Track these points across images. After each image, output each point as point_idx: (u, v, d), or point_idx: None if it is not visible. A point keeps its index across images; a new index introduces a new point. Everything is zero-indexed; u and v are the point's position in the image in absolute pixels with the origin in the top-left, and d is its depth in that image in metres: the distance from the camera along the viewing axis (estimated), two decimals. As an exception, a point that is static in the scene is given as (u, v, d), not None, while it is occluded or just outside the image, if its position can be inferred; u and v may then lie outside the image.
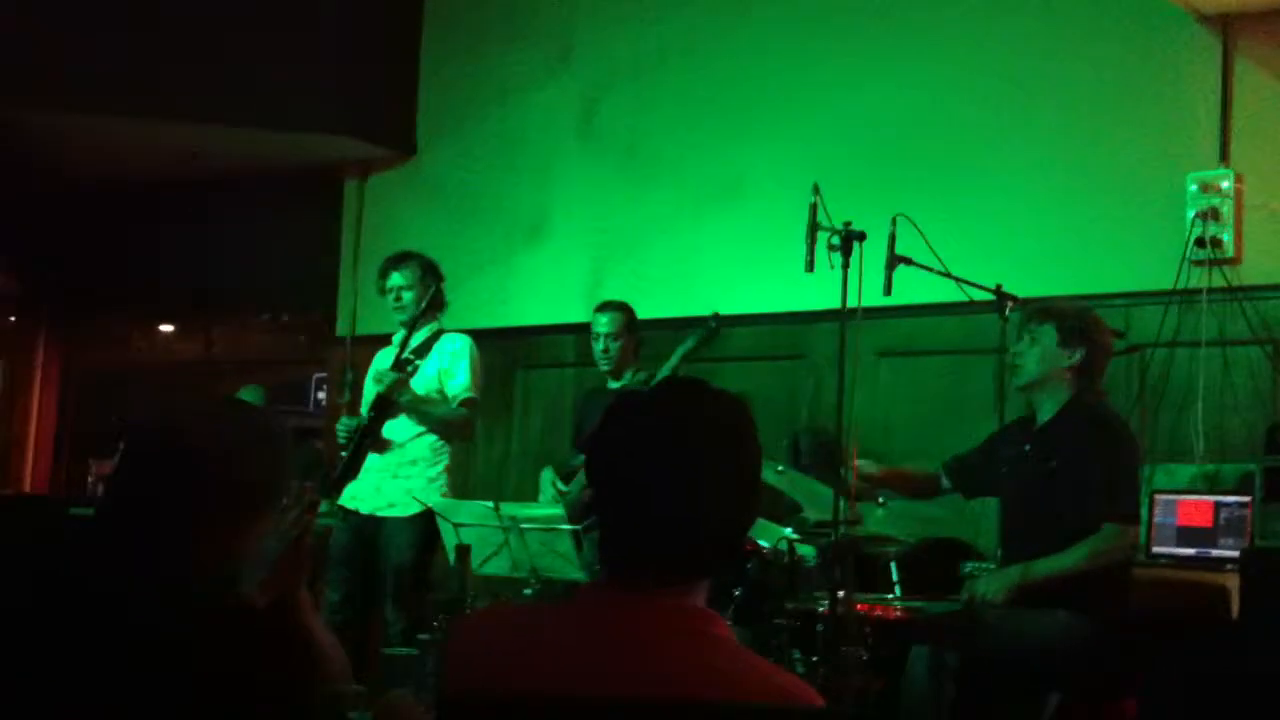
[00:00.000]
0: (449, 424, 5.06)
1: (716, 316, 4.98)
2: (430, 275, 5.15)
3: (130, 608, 1.80)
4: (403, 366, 5.01)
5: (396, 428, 5.03)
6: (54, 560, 1.90)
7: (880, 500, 4.35)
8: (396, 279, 5.12)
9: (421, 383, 5.02)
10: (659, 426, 1.69)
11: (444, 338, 5.14)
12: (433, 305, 5.15)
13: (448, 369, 5.07)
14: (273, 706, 1.79)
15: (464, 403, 5.06)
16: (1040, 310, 3.97)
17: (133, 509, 1.93)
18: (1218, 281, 4.78)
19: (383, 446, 5.02)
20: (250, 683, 1.78)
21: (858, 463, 3.97)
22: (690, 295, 6.03)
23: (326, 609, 5.00)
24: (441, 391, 5.06)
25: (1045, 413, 3.87)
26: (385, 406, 5.03)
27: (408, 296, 5.11)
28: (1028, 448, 3.87)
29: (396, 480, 5.00)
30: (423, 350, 5.08)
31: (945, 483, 4.14)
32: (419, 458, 5.03)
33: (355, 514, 5.05)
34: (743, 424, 1.72)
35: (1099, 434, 3.74)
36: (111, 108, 6.65)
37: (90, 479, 6.97)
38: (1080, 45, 5.23)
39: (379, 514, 5.01)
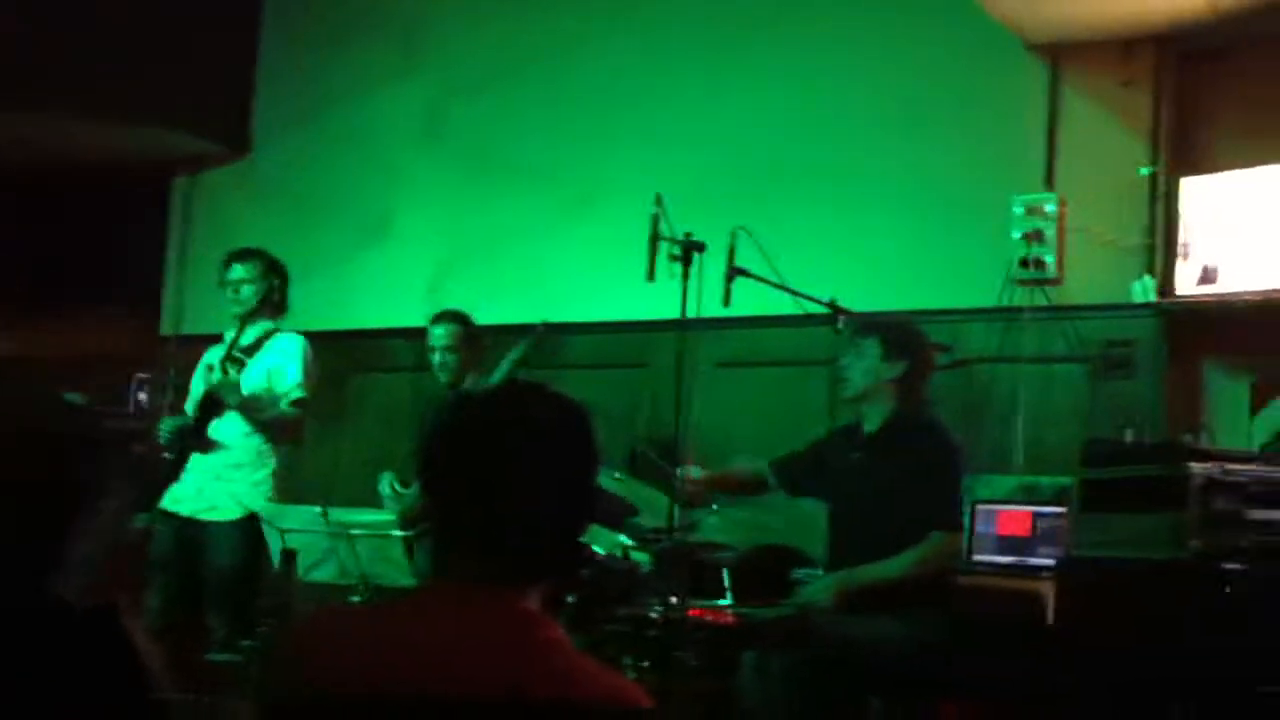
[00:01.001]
0: (279, 424, 4.93)
1: (545, 325, 4.96)
2: (273, 273, 5.03)
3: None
4: (231, 362, 4.86)
5: (222, 428, 4.88)
6: None
7: (714, 507, 4.40)
8: (238, 271, 4.98)
9: (250, 381, 4.88)
10: (494, 426, 1.68)
11: (276, 337, 5.00)
12: (270, 304, 5.01)
13: (278, 367, 4.94)
14: (97, 712, 1.73)
15: (295, 402, 4.94)
16: (865, 325, 4.11)
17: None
18: (1040, 301, 4.96)
19: (207, 446, 4.86)
20: (73, 689, 1.71)
21: (686, 469, 4.01)
22: (534, 302, 6.00)
23: (147, 614, 4.82)
24: (270, 390, 4.93)
25: (871, 423, 3.98)
26: (211, 406, 4.87)
27: (246, 291, 4.97)
28: (855, 455, 3.97)
29: (219, 482, 4.85)
30: (253, 349, 4.95)
31: (772, 480, 4.21)
32: (243, 461, 4.89)
33: (176, 516, 4.88)
34: (578, 427, 1.72)
35: (926, 445, 3.85)
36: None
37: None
38: (916, 68, 5.39)
39: (200, 517, 4.86)
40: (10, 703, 1.65)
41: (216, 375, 4.82)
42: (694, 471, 4.09)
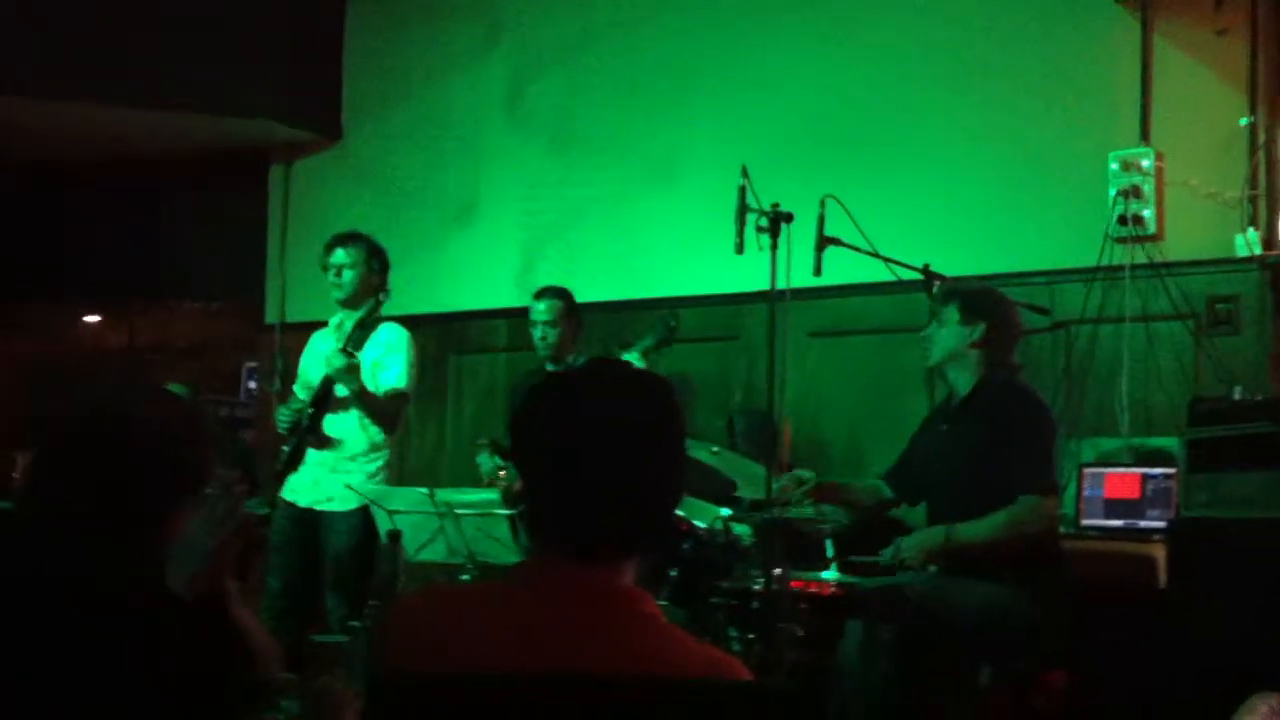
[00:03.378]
0: (381, 414, 5.00)
1: (675, 315, 4.95)
2: (375, 259, 5.06)
3: (55, 601, 1.77)
4: (343, 355, 4.91)
5: (337, 423, 4.97)
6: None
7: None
8: (340, 256, 5.00)
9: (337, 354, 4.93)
10: (582, 405, 1.70)
11: (382, 328, 5.04)
12: (372, 289, 5.07)
13: (381, 361, 4.99)
14: (203, 696, 1.78)
15: (394, 395, 5.00)
16: (944, 292, 4.11)
17: (55, 500, 1.89)
18: (1140, 258, 4.85)
19: (323, 442, 4.96)
20: (180, 673, 1.76)
21: (787, 474, 3.99)
22: (622, 278, 6.03)
23: (266, 597, 4.96)
24: (374, 382, 4.99)
25: (960, 391, 3.96)
26: (326, 397, 4.94)
27: (348, 275, 5.01)
28: (945, 427, 3.95)
29: (335, 474, 4.94)
30: (360, 340, 5.00)
31: (888, 493, 4.19)
32: (358, 453, 4.97)
33: (294, 505, 5.00)
34: (665, 403, 1.73)
35: (1013, 408, 3.82)
36: (30, 91, 6.53)
37: (16, 473, 6.86)
38: (1004, 26, 5.29)
39: (317, 508, 4.96)
40: (121, 689, 1.71)
41: (337, 361, 4.81)
42: (804, 474, 4.06)
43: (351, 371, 4.80)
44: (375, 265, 5.04)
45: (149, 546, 1.90)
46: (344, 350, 4.82)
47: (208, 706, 1.76)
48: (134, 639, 1.74)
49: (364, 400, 4.89)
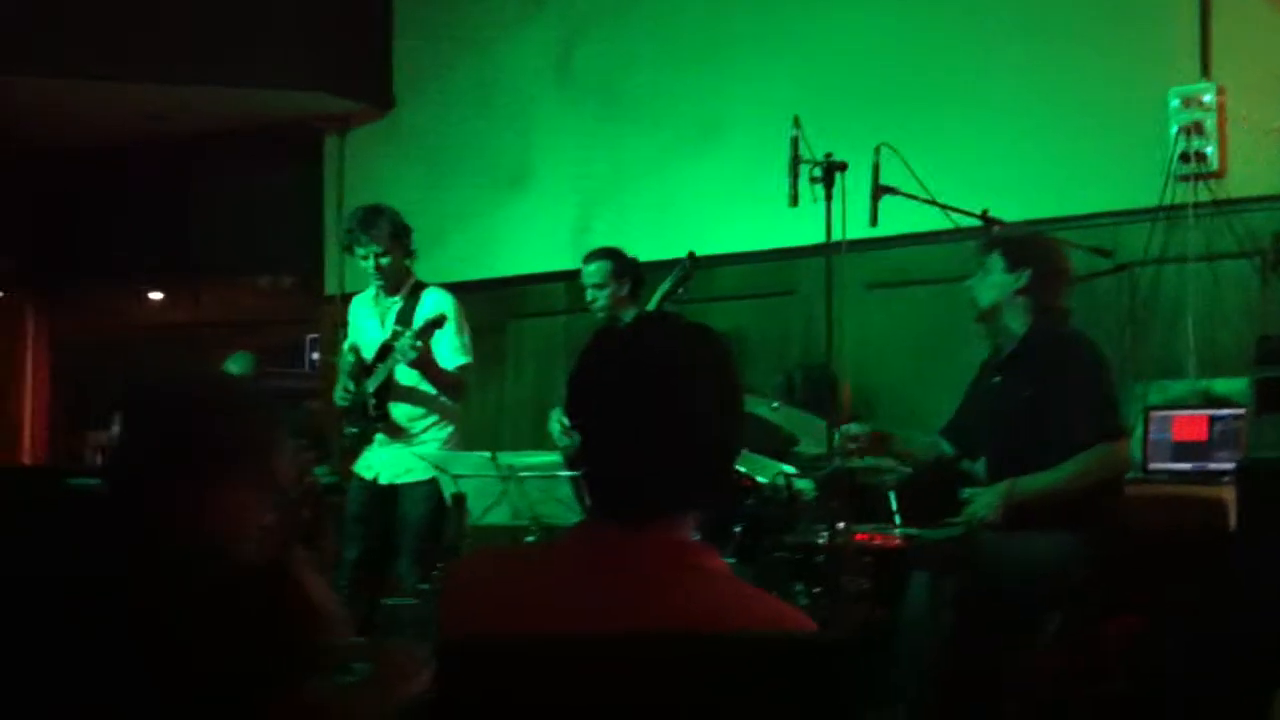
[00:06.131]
0: (449, 385, 5.05)
1: (692, 256, 4.94)
2: (401, 233, 5.04)
3: (126, 574, 1.80)
4: (395, 339, 4.92)
5: (404, 407, 5.03)
6: (52, 530, 1.91)
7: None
8: (373, 245, 4.96)
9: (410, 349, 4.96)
10: (631, 360, 1.68)
11: (425, 297, 5.04)
12: (408, 259, 5.09)
13: (436, 335, 5.00)
14: (270, 663, 1.80)
15: (459, 369, 5.05)
16: (987, 241, 4.04)
17: (128, 477, 1.94)
18: (1203, 196, 4.76)
19: (395, 432, 5.02)
20: (247, 642, 1.79)
21: (846, 427, 3.96)
22: (676, 236, 5.99)
23: (342, 566, 5.04)
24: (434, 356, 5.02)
25: (1009, 341, 3.89)
26: (389, 385, 4.99)
27: (386, 261, 5.01)
28: (997, 379, 3.90)
29: (411, 448, 5.02)
30: (407, 314, 5.02)
31: (947, 449, 4.15)
32: (429, 424, 5.05)
33: (373, 481, 5.07)
34: (716, 357, 1.71)
35: (1066, 356, 3.75)
36: (83, 71, 6.60)
37: (88, 450, 7.00)
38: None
39: (397, 481, 5.03)
40: (191, 654, 1.74)
41: (410, 355, 4.80)
42: (854, 428, 4.03)
43: (423, 360, 4.82)
44: (404, 239, 5.03)
45: (218, 518, 1.94)
46: (414, 343, 4.78)
47: (270, 669, 1.78)
48: (198, 607, 1.77)
49: (435, 380, 4.92)
